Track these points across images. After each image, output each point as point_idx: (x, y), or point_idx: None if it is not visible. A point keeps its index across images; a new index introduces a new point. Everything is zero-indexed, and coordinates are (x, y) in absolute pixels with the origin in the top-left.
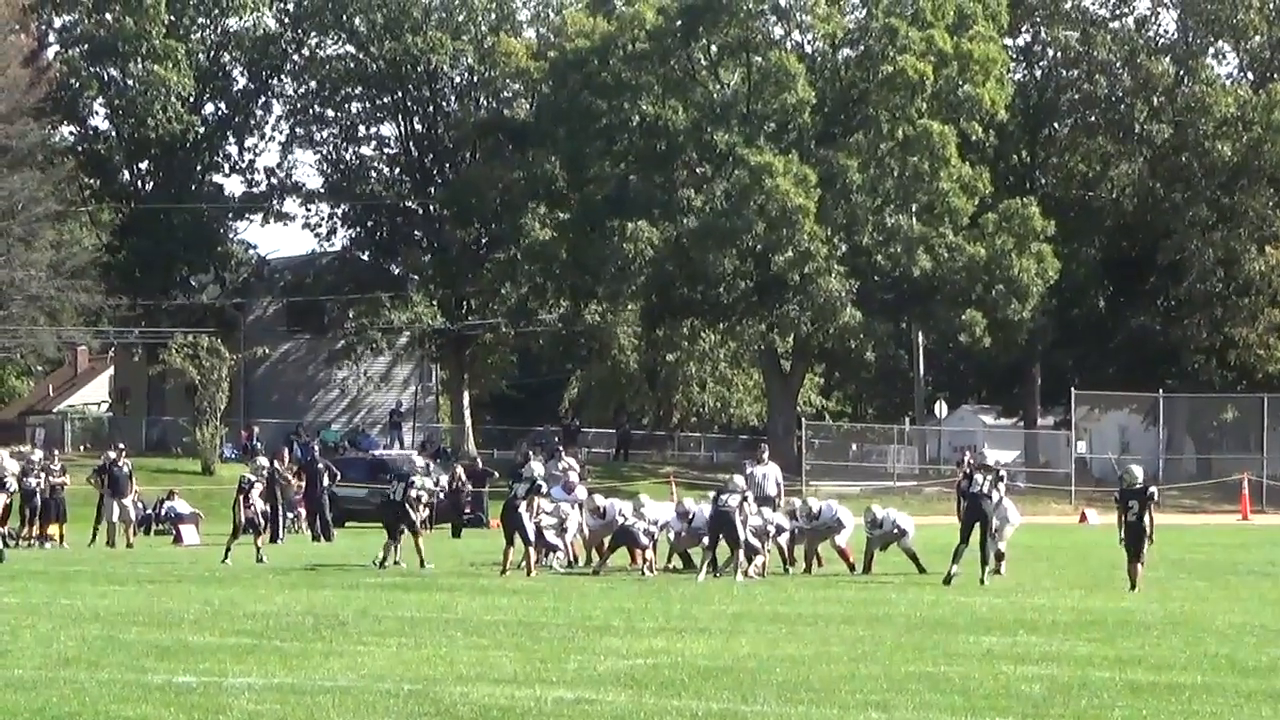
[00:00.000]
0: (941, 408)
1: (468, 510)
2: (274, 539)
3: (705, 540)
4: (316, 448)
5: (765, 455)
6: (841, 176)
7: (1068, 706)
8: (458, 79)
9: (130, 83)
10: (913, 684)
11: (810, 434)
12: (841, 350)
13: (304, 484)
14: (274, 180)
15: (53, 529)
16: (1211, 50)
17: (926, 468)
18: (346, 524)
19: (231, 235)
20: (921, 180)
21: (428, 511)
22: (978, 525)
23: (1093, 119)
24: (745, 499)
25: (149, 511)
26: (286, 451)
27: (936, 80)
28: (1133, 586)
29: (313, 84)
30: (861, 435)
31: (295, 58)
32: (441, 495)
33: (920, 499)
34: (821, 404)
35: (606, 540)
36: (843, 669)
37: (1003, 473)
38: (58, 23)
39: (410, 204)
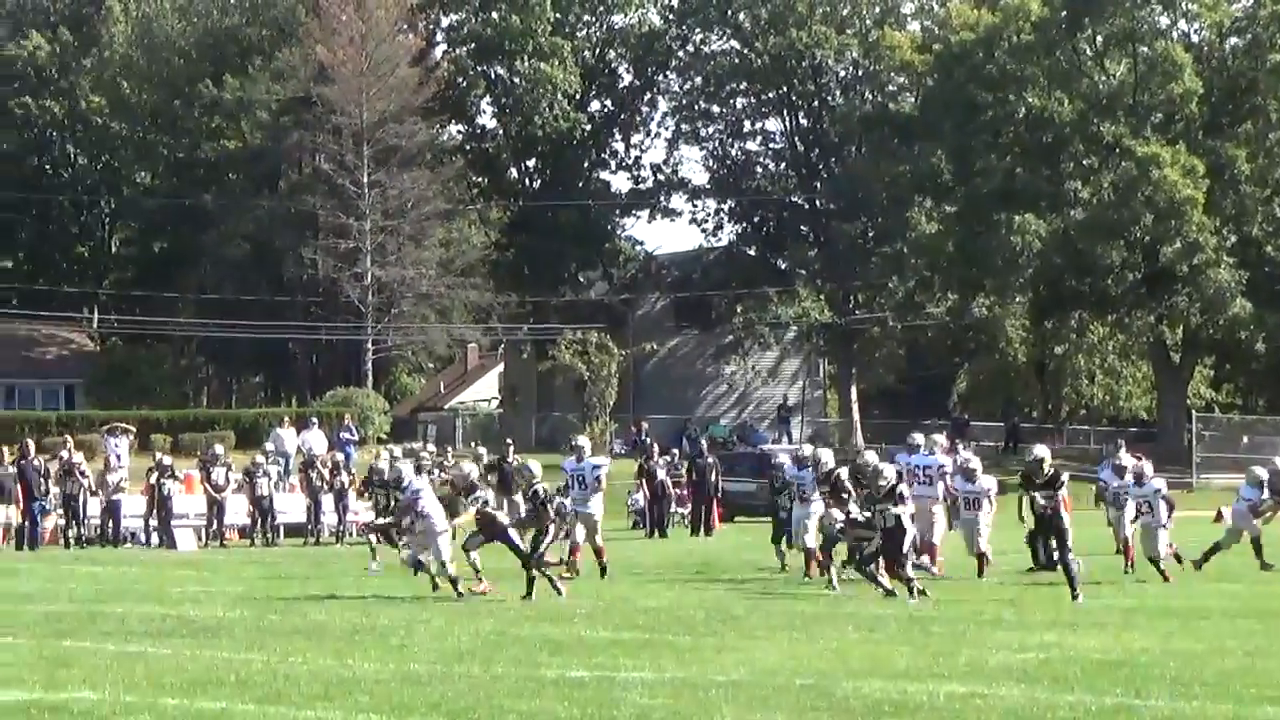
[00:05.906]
0: None
1: None
2: (662, 533)
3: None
4: (704, 443)
5: (1122, 450)
6: (1230, 167)
7: None
8: (842, 73)
9: (517, 81)
10: None
11: (1200, 426)
12: (1231, 342)
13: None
14: (660, 176)
15: None
16: None
17: None
18: (735, 519)
19: (619, 232)
20: None
21: None
22: None
23: None
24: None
25: None
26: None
27: None
28: None
29: (698, 80)
30: (1253, 428)
31: (680, 54)
32: None
33: None
34: (1211, 396)
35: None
36: (1238, 663)
37: None
38: (445, 22)
39: (796, 199)
